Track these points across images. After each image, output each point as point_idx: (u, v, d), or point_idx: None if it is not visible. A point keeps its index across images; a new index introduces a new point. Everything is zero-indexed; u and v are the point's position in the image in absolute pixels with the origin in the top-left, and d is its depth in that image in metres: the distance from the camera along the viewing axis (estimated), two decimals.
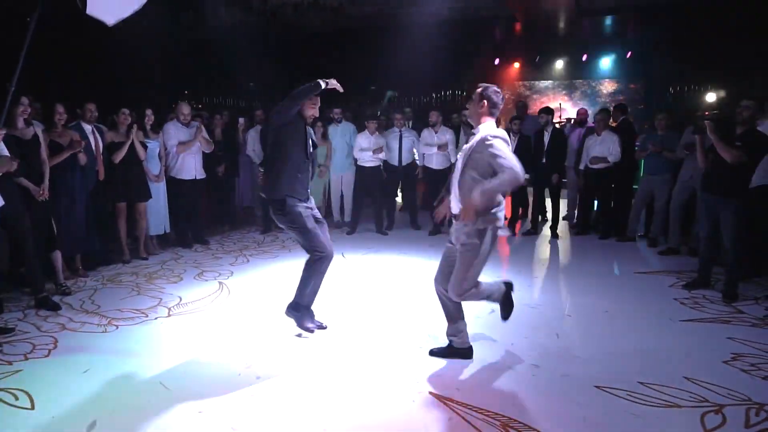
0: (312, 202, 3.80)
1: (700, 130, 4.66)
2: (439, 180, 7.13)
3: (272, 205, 3.70)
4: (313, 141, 3.81)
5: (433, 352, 3.49)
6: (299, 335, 3.81)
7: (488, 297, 3.42)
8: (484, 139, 3.12)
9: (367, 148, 7.08)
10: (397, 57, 10.45)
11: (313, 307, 3.88)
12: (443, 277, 3.39)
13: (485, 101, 3.22)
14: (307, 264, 3.74)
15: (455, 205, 3.28)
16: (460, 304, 3.42)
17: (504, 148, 3.09)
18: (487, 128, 3.21)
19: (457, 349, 3.46)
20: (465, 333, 3.47)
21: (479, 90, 3.27)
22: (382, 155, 7.11)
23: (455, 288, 3.24)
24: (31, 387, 3.05)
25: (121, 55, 9.01)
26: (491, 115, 3.25)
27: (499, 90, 3.28)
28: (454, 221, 3.34)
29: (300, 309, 3.78)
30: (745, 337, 3.77)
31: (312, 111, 3.66)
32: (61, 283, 4.69)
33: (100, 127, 5.57)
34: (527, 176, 7.64)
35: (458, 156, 3.36)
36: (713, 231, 4.64)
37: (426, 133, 7.37)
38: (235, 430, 2.66)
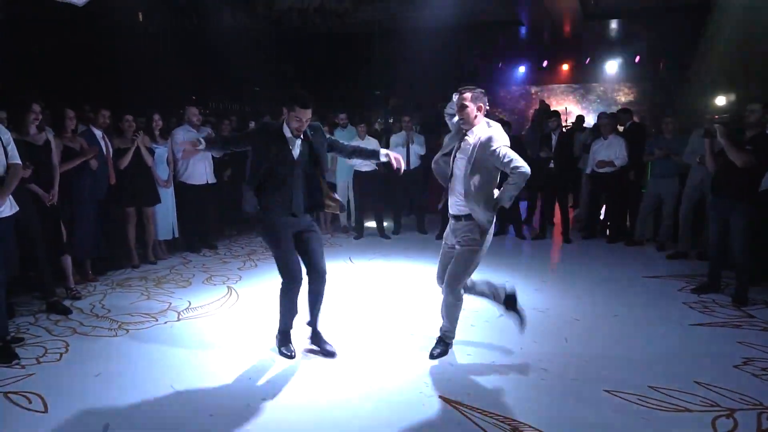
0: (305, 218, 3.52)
1: (709, 134, 4.65)
2: None
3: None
4: (310, 149, 3.44)
5: (434, 355, 3.54)
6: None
7: (482, 294, 3.59)
8: (487, 141, 3.19)
9: None
10: (402, 62, 10.50)
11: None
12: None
13: (481, 104, 3.29)
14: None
15: (456, 207, 3.38)
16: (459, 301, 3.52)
17: (508, 148, 3.19)
18: (482, 129, 3.29)
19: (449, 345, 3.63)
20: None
21: (469, 95, 3.26)
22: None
23: (453, 283, 3.38)
24: (44, 390, 3.07)
25: (127, 61, 9.08)
26: (482, 113, 3.32)
27: (482, 90, 3.34)
28: (453, 221, 3.43)
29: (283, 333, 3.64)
30: (756, 341, 3.75)
31: (296, 124, 3.29)
32: (71, 288, 4.74)
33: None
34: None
35: (457, 158, 3.38)
36: (723, 234, 4.62)
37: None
38: None
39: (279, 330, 3.64)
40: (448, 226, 3.51)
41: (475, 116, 3.28)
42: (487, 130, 3.26)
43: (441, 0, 9.65)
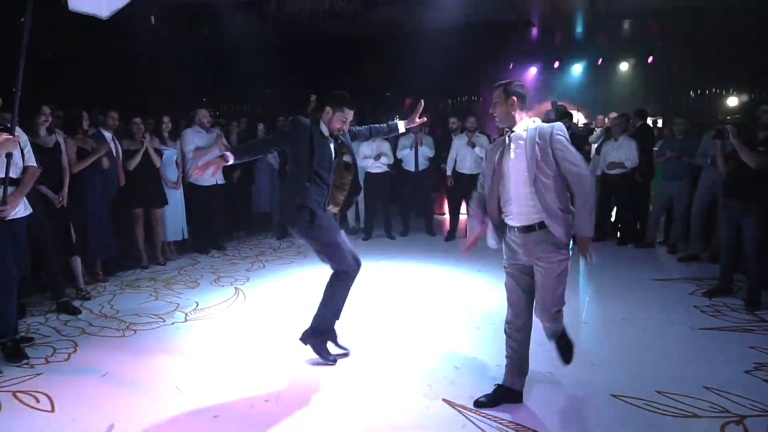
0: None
1: (720, 136, 4.59)
2: (472, 185, 7.06)
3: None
4: (344, 147, 3.50)
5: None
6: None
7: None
8: (543, 129, 2.77)
9: (369, 155, 7.10)
10: (413, 63, 10.48)
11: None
12: (525, 312, 3.02)
13: (514, 97, 2.83)
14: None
15: (523, 217, 2.83)
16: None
17: (569, 142, 2.79)
18: (527, 123, 2.85)
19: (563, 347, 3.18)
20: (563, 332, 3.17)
21: (501, 87, 2.87)
22: (384, 160, 7.12)
23: (553, 313, 2.99)
24: (51, 390, 3.10)
25: (139, 63, 9.17)
26: (523, 110, 2.88)
27: (521, 82, 2.92)
28: (523, 235, 2.85)
29: (320, 334, 3.47)
30: None
31: (339, 124, 3.35)
32: (81, 288, 4.79)
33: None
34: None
35: (510, 162, 2.84)
36: (734, 237, 4.56)
37: (457, 141, 7.16)
38: None
39: (312, 328, 3.44)
40: (511, 243, 2.91)
41: (512, 112, 2.84)
42: (536, 123, 2.85)
43: (451, 1, 9.63)
